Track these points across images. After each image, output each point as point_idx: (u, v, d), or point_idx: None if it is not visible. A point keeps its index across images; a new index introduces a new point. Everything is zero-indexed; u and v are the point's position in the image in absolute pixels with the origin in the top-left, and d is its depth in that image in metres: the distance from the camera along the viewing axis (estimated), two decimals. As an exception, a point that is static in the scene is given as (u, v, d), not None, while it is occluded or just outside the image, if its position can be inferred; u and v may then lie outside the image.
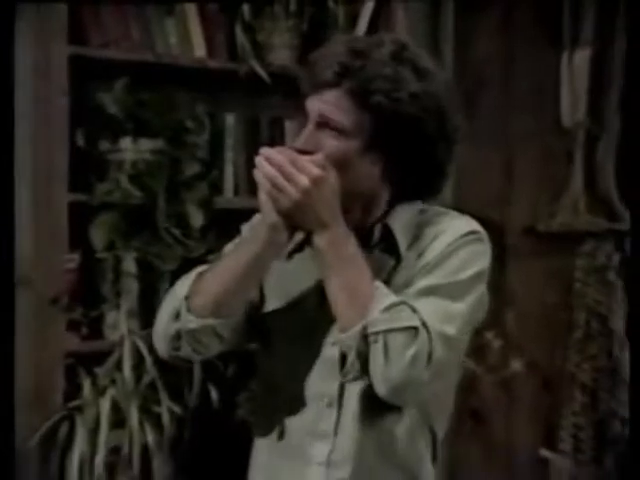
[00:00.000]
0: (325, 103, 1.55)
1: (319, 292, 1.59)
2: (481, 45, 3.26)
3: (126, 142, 2.69)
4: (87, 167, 2.69)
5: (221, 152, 2.90)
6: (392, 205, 1.63)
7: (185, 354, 1.64)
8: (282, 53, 2.92)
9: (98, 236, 2.67)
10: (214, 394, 2.72)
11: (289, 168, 1.47)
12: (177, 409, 2.64)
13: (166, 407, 2.63)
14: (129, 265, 2.73)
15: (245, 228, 1.76)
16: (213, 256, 2.67)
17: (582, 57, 3.09)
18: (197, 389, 2.72)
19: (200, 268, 1.66)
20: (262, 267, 1.57)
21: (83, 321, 2.71)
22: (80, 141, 2.68)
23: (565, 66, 3.13)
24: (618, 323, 3.03)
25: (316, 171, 1.48)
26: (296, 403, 1.63)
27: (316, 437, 1.59)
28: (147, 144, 2.71)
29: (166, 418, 2.62)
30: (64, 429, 2.58)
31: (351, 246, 1.53)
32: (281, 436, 1.63)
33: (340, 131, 1.55)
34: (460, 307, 1.51)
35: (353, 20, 2.89)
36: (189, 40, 2.82)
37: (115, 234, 2.69)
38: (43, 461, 2.62)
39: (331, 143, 1.54)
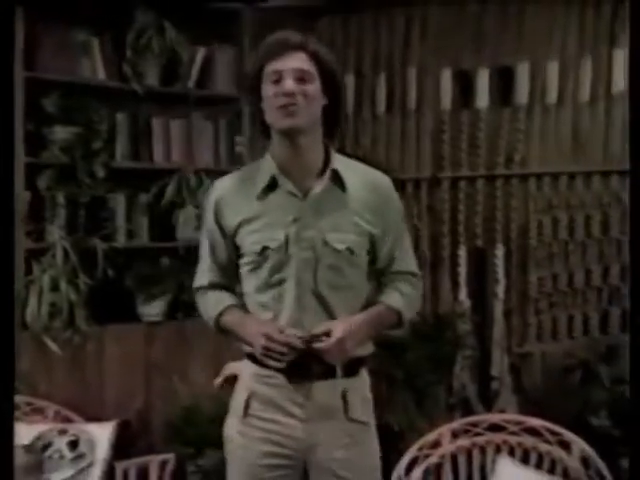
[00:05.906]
0: (299, 61, 1.96)
1: (284, 221, 2.03)
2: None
3: (58, 128, 3.64)
4: (35, 142, 3.62)
5: (114, 135, 3.86)
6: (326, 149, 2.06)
7: None
8: (150, 77, 3.93)
9: (42, 182, 3.66)
10: (110, 272, 3.72)
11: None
12: (89, 280, 3.61)
13: (82, 280, 3.61)
14: (60, 199, 3.68)
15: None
16: (110, 195, 3.83)
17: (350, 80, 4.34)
18: (101, 269, 3.71)
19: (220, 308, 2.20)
20: None
21: (33, 231, 3.65)
22: (30, 127, 3.64)
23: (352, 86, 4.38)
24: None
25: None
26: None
27: None
28: (71, 129, 3.66)
29: (82, 286, 3.60)
30: (23, 293, 3.55)
31: (363, 326, 2.04)
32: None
33: (311, 78, 1.97)
34: None
35: (191, 60, 3.99)
36: (96, 68, 3.81)
37: (52, 181, 3.65)
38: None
39: (309, 87, 1.96)
